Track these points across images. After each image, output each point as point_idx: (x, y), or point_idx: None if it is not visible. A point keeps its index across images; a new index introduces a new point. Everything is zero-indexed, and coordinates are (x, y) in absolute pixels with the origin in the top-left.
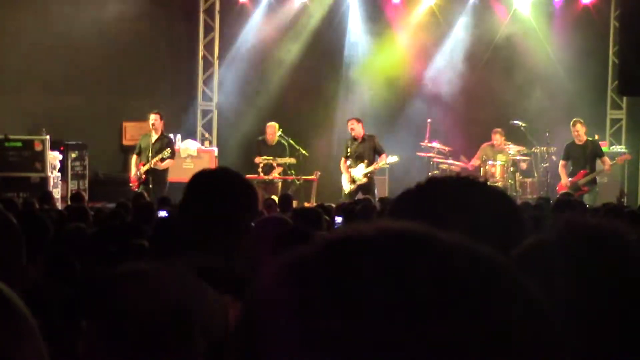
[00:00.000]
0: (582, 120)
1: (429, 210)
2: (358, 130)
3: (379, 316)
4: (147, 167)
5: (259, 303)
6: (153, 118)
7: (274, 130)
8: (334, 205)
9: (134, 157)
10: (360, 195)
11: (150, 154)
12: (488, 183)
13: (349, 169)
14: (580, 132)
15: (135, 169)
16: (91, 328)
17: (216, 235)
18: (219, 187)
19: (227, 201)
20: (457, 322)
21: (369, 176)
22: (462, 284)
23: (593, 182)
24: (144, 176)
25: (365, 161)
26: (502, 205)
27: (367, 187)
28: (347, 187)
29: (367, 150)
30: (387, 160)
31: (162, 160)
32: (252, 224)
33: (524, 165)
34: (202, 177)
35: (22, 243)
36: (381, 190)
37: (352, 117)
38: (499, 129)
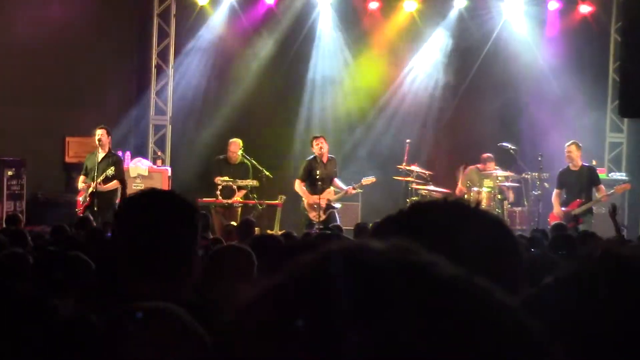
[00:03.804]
0: (578, 143)
1: (412, 241)
2: (324, 149)
3: (363, 348)
4: (91, 189)
5: (239, 325)
6: (99, 133)
7: (237, 148)
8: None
9: (81, 178)
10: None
11: (95, 174)
12: (481, 208)
13: (316, 194)
14: (573, 155)
15: (83, 191)
16: None
17: (156, 261)
18: (151, 209)
19: (163, 224)
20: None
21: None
22: (457, 317)
23: (588, 212)
24: (88, 199)
25: (332, 186)
26: (498, 235)
27: (331, 215)
28: (316, 214)
29: (332, 173)
30: (363, 180)
31: (106, 180)
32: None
33: (512, 193)
34: (133, 200)
35: None
36: (353, 218)
37: (320, 135)
38: (490, 155)
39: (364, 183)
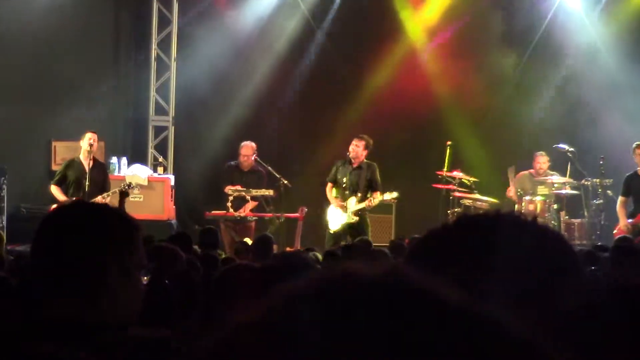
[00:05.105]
0: None
1: (459, 260)
2: (358, 153)
3: None
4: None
5: (238, 342)
6: (92, 138)
7: (250, 152)
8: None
9: (54, 188)
10: (349, 239)
11: (87, 184)
12: (538, 222)
13: (338, 200)
14: None
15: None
16: None
17: (64, 278)
18: (72, 226)
19: (82, 242)
20: None
21: (360, 214)
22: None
23: None
24: None
25: (359, 195)
26: (558, 253)
27: (357, 228)
28: (335, 225)
29: (363, 181)
30: (385, 196)
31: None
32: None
33: (570, 202)
34: (54, 213)
35: None
36: (386, 233)
37: (362, 136)
38: (543, 152)
39: (385, 199)
